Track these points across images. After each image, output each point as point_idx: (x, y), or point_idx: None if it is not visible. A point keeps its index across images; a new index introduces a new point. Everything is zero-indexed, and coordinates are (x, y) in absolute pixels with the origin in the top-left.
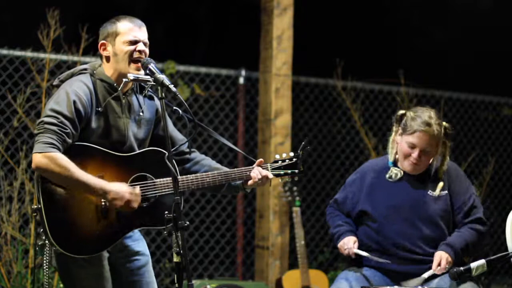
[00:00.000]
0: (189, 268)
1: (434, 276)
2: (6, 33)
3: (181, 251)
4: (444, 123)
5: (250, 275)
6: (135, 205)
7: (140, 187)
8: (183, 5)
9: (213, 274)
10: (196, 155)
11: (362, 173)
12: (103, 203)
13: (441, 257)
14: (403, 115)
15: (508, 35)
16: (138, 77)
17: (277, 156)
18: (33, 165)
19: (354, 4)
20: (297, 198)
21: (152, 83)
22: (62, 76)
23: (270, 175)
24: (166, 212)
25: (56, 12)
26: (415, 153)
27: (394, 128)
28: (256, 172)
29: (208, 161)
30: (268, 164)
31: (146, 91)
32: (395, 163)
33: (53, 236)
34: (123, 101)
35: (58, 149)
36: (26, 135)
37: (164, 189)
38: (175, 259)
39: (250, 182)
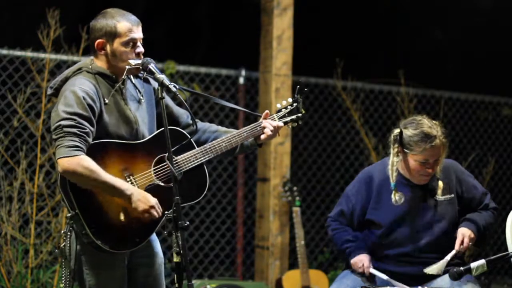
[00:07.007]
0: (189, 268)
1: (434, 277)
2: (6, 33)
3: (181, 251)
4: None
5: (250, 275)
6: (156, 214)
7: (164, 167)
8: (183, 5)
9: (213, 274)
10: (201, 124)
11: (366, 179)
12: None
13: (463, 235)
14: (400, 134)
15: (508, 35)
16: (139, 63)
17: (279, 105)
18: (60, 170)
19: (354, 4)
20: (297, 198)
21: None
22: (56, 84)
23: (281, 124)
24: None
25: (56, 12)
26: (428, 166)
27: (393, 150)
28: (267, 125)
29: (214, 127)
30: (275, 115)
31: (143, 75)
32: (396, 184)
33: (96, 237)
34: (124, 90)
35: (83, 151)
36: (26, 135)
37: (188, 163)
38: (175, 259)
39: (263, 136)
